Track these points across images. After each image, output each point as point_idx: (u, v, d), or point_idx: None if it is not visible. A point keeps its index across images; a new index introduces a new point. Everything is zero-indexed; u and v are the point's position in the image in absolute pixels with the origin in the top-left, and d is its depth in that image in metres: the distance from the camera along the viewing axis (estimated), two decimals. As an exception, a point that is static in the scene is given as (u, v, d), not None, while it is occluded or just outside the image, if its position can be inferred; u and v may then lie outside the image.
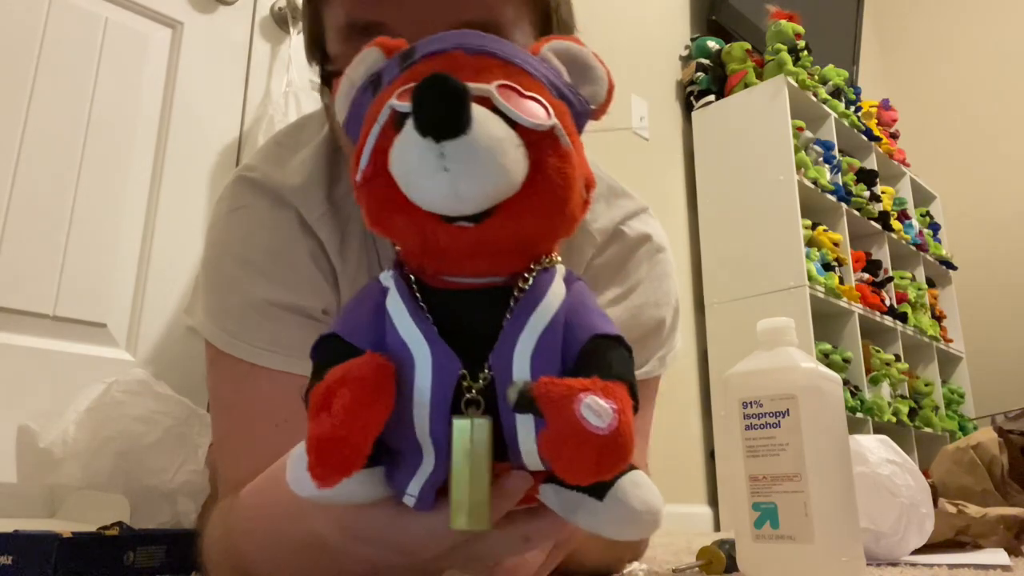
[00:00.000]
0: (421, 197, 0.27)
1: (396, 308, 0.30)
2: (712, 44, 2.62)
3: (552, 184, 0.28)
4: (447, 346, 0.29)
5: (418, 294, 0.30)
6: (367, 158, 0.29)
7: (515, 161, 0.27)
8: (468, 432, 0.28)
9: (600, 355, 0.29)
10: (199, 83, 1.38)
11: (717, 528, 2.19)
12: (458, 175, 0.26)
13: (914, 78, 3.96)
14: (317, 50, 0.61)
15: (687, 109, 2.60)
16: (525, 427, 0.28)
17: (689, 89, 2.61)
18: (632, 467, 0.30)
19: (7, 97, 1.16)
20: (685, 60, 2.68)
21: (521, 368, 0.28)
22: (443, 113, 0.25)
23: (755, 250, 2.31)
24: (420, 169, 0.26)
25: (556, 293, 0.30)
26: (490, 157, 0.26)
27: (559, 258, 0.31)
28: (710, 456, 2.27)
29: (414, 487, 0.30)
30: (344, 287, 0.67)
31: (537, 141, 0.28)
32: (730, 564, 0.71)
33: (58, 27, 1.22)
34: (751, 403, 0.65)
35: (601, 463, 0.26)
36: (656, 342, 0.76)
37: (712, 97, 2.54)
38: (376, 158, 0.28)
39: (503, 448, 0.29)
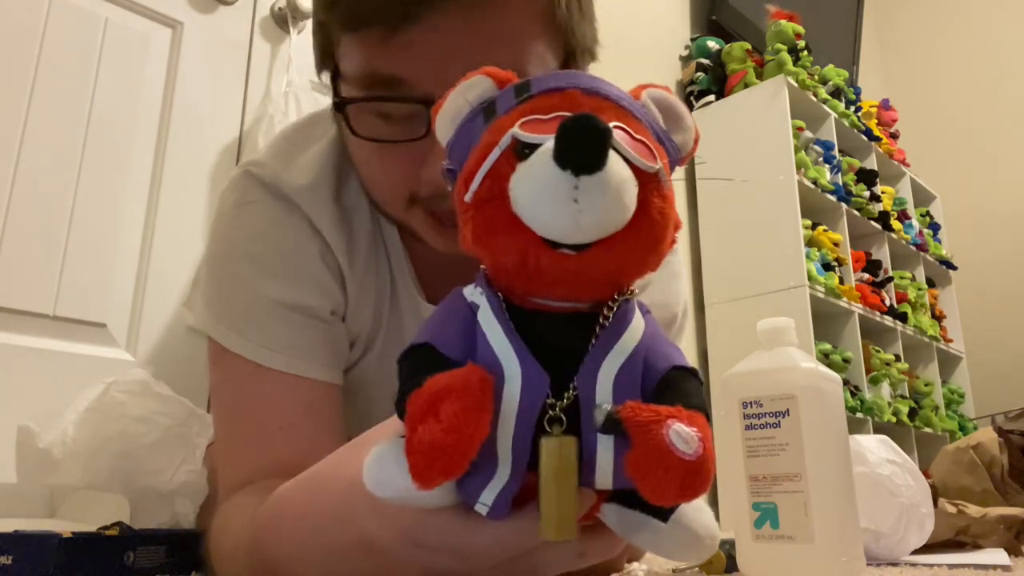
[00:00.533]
0: (542, 223, 0.28)
1: (489, 324, 0.31)
2: (712, 44, 2.62)
3: (654, 224, 0.30)
4: (537, 363, 0.30)
5: (506, 312, 0.32)
6: (480, 180, 0.30)
7: (632, 200, 0.29)
8: (557, 449, 0.29)
9: (679, 385, 0.31)
10: (199, 83, 1.38)
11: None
12: (585, 208, 0.28)
13: (914, 78, 3.96)
14: (327, 63, 0.60)
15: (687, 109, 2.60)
16: (605, 447, 0.30)
17: (689, 89, 2.61)
18: None
19: (7, 97, 1.16)
20: (685, 60, 2.68)
21: (604, 391, 0.30)
22: (588, 150, 0.27)
23: (755, 250, 2.31)
24: (550, 198, 0.28)
25: (638, 324, 0.32)
26: (617, 195, 0.28)
27: (637, 290, 0.33)
28: (710, 456, 2.27)
29: (488, 496, 0.31)
30: (352, 289, 0.67)
31: (646, 183, 0.30)
32: (730, 564, 0.71)
33: (58, 27, 1.22)
34: (751, 403, 0.65)
35: (685, 487, 0.27)
36: None
37: (712, 97, 2.54)
38: (491, 182, 0.30)
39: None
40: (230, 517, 0.56)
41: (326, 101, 1.61)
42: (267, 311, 0.62)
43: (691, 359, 2.30)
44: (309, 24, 1.53)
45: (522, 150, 0.30)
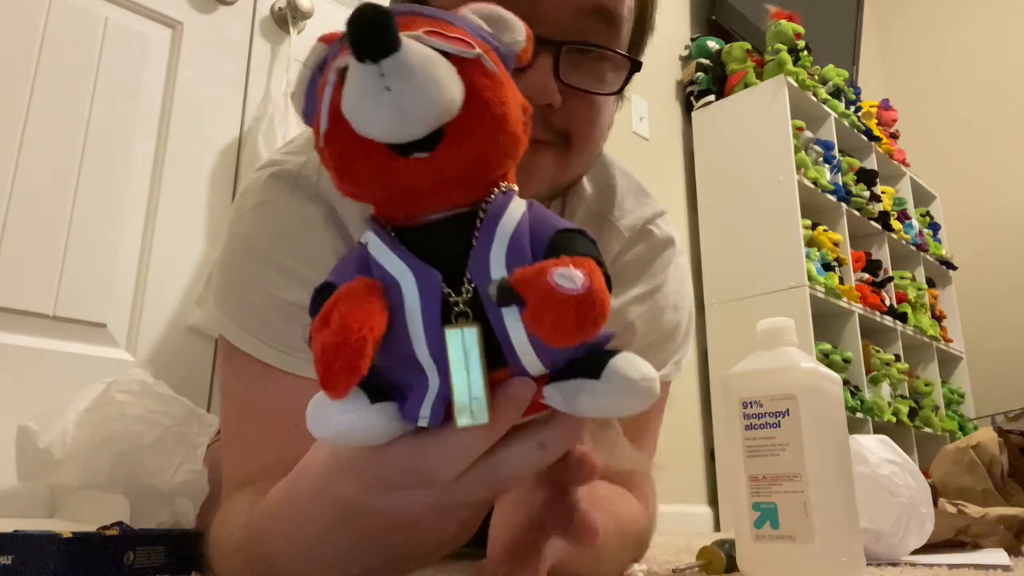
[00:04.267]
0: (371, 126, 0.29)
1: (377, 248, 0.32)
2: (712, 44, 2.62)
3: (488, 103, 0.31)
4: (424, 263, 0.31)
5: (393, 234, 0.33)
6: (325, 118, 0.31)
7: (448, 77, 0.29)
8: (460, 338, 0.30)
9: (566, 242, 0.31)
10: (199, 83, 1.38)
11: (717, 528, 2.19)
12: (400, 92, 0.28)
13: (914, 78, 3.96)
14: None
15: (687, 109, 2.60)
16: (515, 327, 0.30)
17: (689, 89, 2.61)
18: (619, 350, 0.32)
19: (7, 97, 1.16)
20: (685, 60, 2.68)
21: (498, 273, 0.31)
22: (374, 32, 0.28)
23: (755, 250, 2.31)
24: (365, 95, 0.28)
25: (517, 204, 0.32)
26: (424, 70, 0.28)
27: (516, 186, 0.34)
28: (710, 456, 2.27)
29: (425, 408, 0.32)
30: None
31: (467, 68, 0.30)
32: (730, 564, 0.71)
33: (58, 27, 1.22)
34: (751, 403, 0.65)
35: (582, 321, 0.28)
36: (672, 345, 0.76)
37: (712, 97, 2.54)
38: (332, 114, 0.31)
39: (501, 356, 0.31)
40: (229, 516, 0.56)
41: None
42: (281, 312, 0.62)
43: (691, 359, 2.31)
44: (309, 24, 1.54)
45: (344, 74, 0.30)
